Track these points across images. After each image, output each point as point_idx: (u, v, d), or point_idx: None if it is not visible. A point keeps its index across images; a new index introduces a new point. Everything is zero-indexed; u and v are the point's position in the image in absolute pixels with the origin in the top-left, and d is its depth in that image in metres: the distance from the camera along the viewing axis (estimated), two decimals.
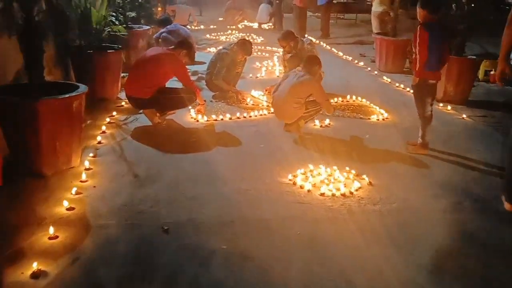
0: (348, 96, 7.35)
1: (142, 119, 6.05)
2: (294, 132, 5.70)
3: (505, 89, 8.29)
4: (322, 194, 4.25)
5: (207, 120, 6.22)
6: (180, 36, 9.38)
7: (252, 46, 7.25)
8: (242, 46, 7.05)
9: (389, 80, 8.70)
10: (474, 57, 7.73)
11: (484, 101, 7.68)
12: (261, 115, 6.52)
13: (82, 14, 6.64)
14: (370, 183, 4.51)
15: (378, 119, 6.45)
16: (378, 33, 10.01)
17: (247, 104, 7.01)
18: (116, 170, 4.67)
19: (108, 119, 6.06)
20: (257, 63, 9.61)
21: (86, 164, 4.69)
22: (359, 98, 7.30)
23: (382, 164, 4.99)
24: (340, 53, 11.36)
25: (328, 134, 5.87)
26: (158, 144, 5.36)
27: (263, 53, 10.96)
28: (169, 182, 4.43)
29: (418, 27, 5.01)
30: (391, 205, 4.13)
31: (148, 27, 9.59)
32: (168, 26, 9.73)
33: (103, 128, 5.71)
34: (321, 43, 12.72)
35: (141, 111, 6.11)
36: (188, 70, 6.64)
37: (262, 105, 6.97)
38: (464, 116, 6.72)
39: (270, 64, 9.73)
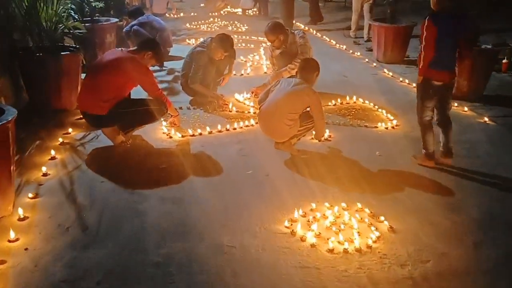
0: (348, 97, 6.21)
1: (104, 137, 4.84)
2: (286, 151, 4.54)
3: None
4: (331, 251, 3.16)
5: (182, 136, 5.04)
6: (154, 29, 8.19)
7: (233, 41, 6.03)
8: (220, 42, 5.83)
9: (390, 73, 7.55)
10: (489, 46, 6.57)
11: (501, 96, 6.62)
12: (247, 126, 5.37)
13: (27, 10, 5.38)
14: (391, 229, 3.42)
15: (386, 127, 5.33)
16: (376, 20, 8.80)
17: (230, 111, 5.83)
18: (59, 219, 3.53)
19: (61, 139, 4.86)
20: (241, 57, 8.38)
21: (20, 212, 3.52)
22: (361, 100, 6.15)
23: (401, 195, 3.90)
24: (333, 41, 10.14)
25: (328, 151, 4.74)
26: (119, 175, 4.21)
27: (248, 44, 9.71)
28: (127, 239, 3.30)
29: (426, 18, 4.08)
30: (424, 265, 3.03)
31: (116, 19, 8.26)
32: (139, 18, 8.48)
33: (53, 152, 4.51)
34: (311, 29, 11.47)
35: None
36: (156, 77, 5.39)
37: (248, 112, 5.79)
38: (486, 119, 5.59)
39: (256, 58, 8.51)
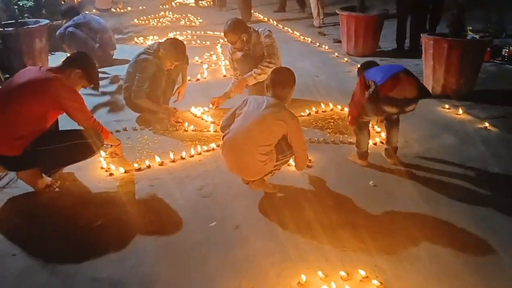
0: (323, 105, 5.20)
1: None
2: (259, 190, 3.50)
3: (504, 68, 6.52)
4: None
5: (126, 171, 3.93)
6: (92, 30, 6.98)
7: (184, 47, 4.90)
8: (170, 49, 4.73)
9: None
10: (477, 36, 5.70)
11: (491, 90, 5.80)
12: (207, 151, 4.29)
13: None
14: None
15: (375, 143, 4.36)
16: (343, 8, 7.80)
17: (185, 130, 4.74)
18: None
19: None
20: (196, 58, 7.26)
21: None
22: (339, 106, 5.17)
23: (418, 253, 2.91)
24: (296, 33, 9.10)
25: (311, 183, 3.73)
26: (39, 242, 3.12)
27: (203, 41, 8.54)
28: None
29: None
30: None
31: (46, 21, 6.96)
32: (75, 18, 7.22)
33: None
34: (271, 20, 10.41)
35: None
36: (90, 95, 4.24)
37: (208, 131, 4.72)
38: (486, 124, 4.69)
39: (213, 58, 7.40)
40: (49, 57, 7.36)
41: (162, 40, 4.86)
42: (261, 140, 3.21)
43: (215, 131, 4.64)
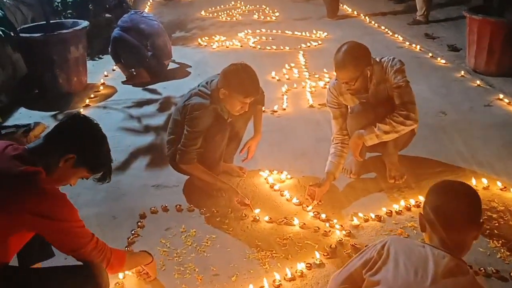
0: (474, 180, 3.15)
1: None
2: None
3: None
4: None
5: None
6: (142, 35, 5.19)
7: (255, 75, 3.04)
8: (235, 82, 2.94)
9: None
10: None
11: None
12: (309, 266, 2.41)
13: None
14: None
15: None
16: (471, 9, 5.58)
17: (254, 219, 2.90)
18: None
19: None
20: (273, 74, 5.37)
21: None
22: (499, 183, 3.12)
23: None
24: (398, 36, 6.93)
25: None
26: None
27: (282, 46, 6.59)
28: None
29: None
30: None
31: (84, 23, 5.28)
32: (122, 18, 5.47)
33: None
34: (362, 15, 8.27)
35: None
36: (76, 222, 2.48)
37: (291, 222, 2.86)
38: None
39: (294, 75, 5.45)
40: (96, 61, 5.79)
41: (223, 72, 2.98)
42: None
43: (303, 224, 2.77)
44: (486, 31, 5.20)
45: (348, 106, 3.25)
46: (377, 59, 3.06)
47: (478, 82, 5.02)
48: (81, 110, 4.69)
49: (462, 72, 5.31)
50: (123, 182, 3.43)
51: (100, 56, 6.52)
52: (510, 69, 5.17)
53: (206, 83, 3.05)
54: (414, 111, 2.95)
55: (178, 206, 3.07)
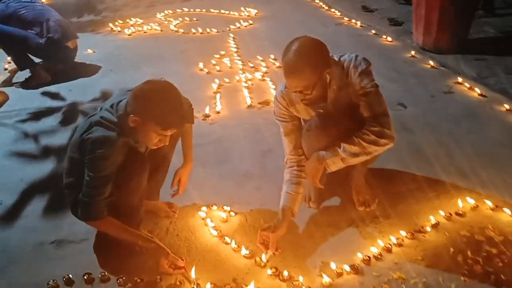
0: (461, 201, 2.53)
1: None
2: None
3: None
4: None
5: None
6: (28, 23, 4.27)
7: (179, 97, 2.14)
8: (147, 104, 2.04)
9: (478, 91, 3.81)
10: None
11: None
12: None
13: None
14: None
15: None
16: None
17: (194, 285, 2.09)
18: None
19: None
20: (201, 65, 4.56)
21: None
22: (489, 202, 2.56)
23: None
24: (335, 11, 6.23)
25: None
26: None
27: (208, 29, 5.71)
28: None
29: None
30: None
31: None
32: None
33: None
34: None
35: None
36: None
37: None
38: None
39: (225, 64, 4.65)
40: None
41: (134, 93, 2.09)
42: None
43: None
44: (436, 2, 4.58)
45: (302, 119, 2.49)
46: (335, 58, 2.30)
47: (431, 62, 4.43)
48: None
49: (413, 52, 4.70)
50: (11, 240, 2.52)
51: None
52: (460, 45, 4.62)
53: (111, 106, 2.15)
54: (388, 125, 2.24)
55: (87, 275, 2.21)
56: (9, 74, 4.75)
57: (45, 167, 3.13)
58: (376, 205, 2.60)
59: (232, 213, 2.60)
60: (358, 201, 2.61)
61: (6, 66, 4.85)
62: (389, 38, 5.09)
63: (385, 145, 2.23)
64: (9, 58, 4.83)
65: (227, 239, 2.39)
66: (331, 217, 2.56)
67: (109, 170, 2.07)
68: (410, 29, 5.10)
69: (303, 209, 2.58)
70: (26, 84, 4.43)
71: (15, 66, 4.69)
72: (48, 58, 4.53)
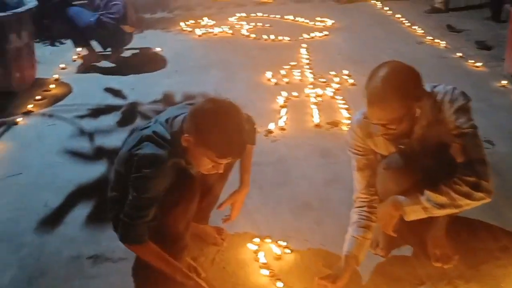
0: None
1: None
2: None
3: None
4: None
5: None
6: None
7: (240, 122, 1.81)
8: (205, 127, 1.76)
9: None
10: None
11: None
12: None
13: None
14: None
15: None
16: None
17: None
18: None
19: None
20: (269, 75, 4.26)
21: None
22: None
23: None
24: (418, 29, 5.75)
25: None
26: None
27: (280, 36, 5.42)
28: None
29: None
30: None
31: (32, 3, 4.09)
32: None
33: None
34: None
35: None
36: None
37: None
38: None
39: (295, 77, 4.36)
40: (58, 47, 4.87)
41: (192, 112, 1.82)
42: None
43: None
44: None
45: (379, 154, 2.13)
46: (428, 88, 1.93)
47: None
48: (19, 119, 3.55)
49: (504, 82, 4.18)
50: (47, 248, 2.33)
51: (62, 40, 5.32)
52: None
53: (166, 120, 1.90)
54: (486, 176, 1.84)
55: None
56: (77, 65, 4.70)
57: (95, 170, 2.95)
58: (454, 263, 2.20)
59: (288, 250, 2.28)
60: (434, 255, 2.23)
61: (75, 57, 4.79)
62: (478, 63, 4.58)
63: (480, 200, 1.84)
64: (79, 50, 4.81)
65: (279, 284, 2.07)
66: (400, 270, 2.19)
67: (154, 192, 1.82)
68: (502, 55, 4.58)
69: (369, 255, 2.22)
70: (79, 68, 4.52)
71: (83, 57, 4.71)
72: (98, 39, 4.58)
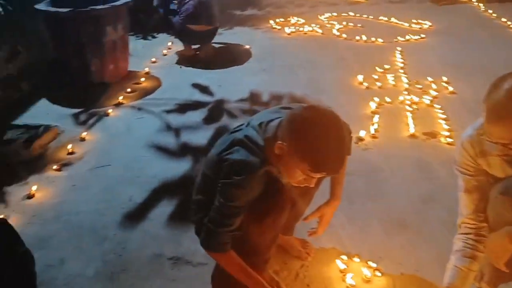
0: None
1: None
2: None
3: None
4: None
5: None
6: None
7: (341, 130, 1.62)
8: (302, 135, 1.59)
9: None
10: None
11: None
12: None
13: None
14: None
15: None
16: None
17: None
18: None
19: None
20: (360, 78, 4.04)
21: None
22: None
23: None
24: None
25: None
26: None
27: (373, 38, 5.17)
28: None
29: None
30: None
31: None
32: None
33: None
34: (473, 0, 6.55)
35: None
36: None
37: None
38: None
39: (389, 81, 4.07)
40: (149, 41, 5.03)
41: (289, 117, 1.67)
42: None
43: None
44: None
45: (491, 176, 1.87)
46: None
47: None
48: (110, 110, 3.61)
49: None
50: (130, 244, 2.30)
51: (155, 34, 5.41)
52: None
53: (260, 124, 1.77)
54: None
55: None
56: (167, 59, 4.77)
57: (180, 167, 2.91)
58: None
59: (378, 273, 2.07)
60: None
61: (165, 51, 4.84)
62: None
63: None
64: (169, 44, 4.89)
65: None
66: None
67: (243, 201, 1.70)
68: None
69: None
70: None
71: (173, 52, 4.88)
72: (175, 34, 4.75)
